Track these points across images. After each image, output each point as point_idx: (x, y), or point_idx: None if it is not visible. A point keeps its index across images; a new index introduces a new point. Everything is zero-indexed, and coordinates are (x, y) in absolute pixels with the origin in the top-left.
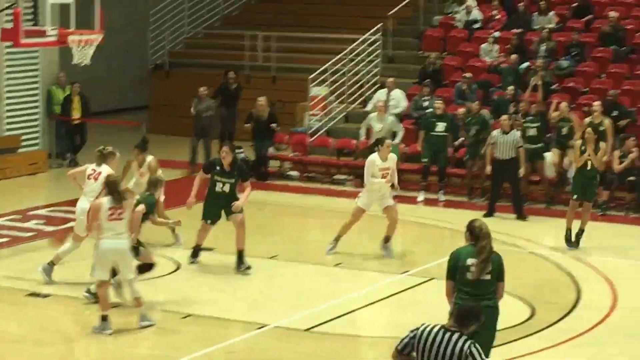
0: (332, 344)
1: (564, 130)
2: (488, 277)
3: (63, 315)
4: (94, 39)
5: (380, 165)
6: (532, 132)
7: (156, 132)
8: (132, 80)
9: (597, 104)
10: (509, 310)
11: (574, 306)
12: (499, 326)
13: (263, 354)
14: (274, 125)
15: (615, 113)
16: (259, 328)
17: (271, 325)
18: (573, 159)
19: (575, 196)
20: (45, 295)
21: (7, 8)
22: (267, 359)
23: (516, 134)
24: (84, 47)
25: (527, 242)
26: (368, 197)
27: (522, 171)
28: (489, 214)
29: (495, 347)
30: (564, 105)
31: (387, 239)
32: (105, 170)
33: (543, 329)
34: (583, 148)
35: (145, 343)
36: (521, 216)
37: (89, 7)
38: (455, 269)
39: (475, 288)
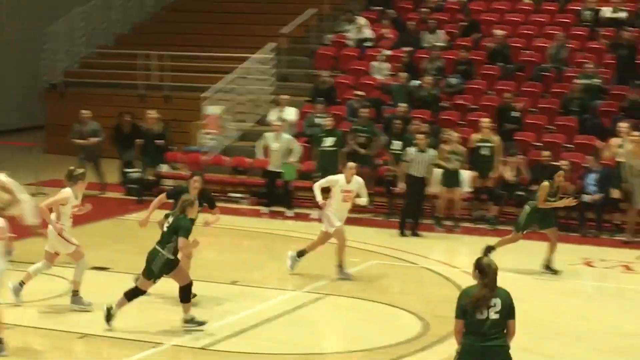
0: None
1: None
2: (496, 316)
3: None
4: None
5: (343, 187)
6: None
7: (52, 153)
8: (28, 100)
9: (486, 121)
10: (403, 324)
11: None
12: (392, 341)
13: None
14: (160, 141)
15: (516, 114)
16: (154, 347)
17: (167, 343)
18: (539, 198)
19: (525, 232)
20: None
21: None
22: None
23: (432, 152)
24: None
25: (419, 258)
26: (335, 214)
27: (430, 189)
28: (402, 231)
29: None
30: (455, 135)
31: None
32: (63, 192)
33: (435, 343)
34: (552, 191)
35: None
36: (416, 233)
37: None
38: (464, 308)
39: (484, 327)
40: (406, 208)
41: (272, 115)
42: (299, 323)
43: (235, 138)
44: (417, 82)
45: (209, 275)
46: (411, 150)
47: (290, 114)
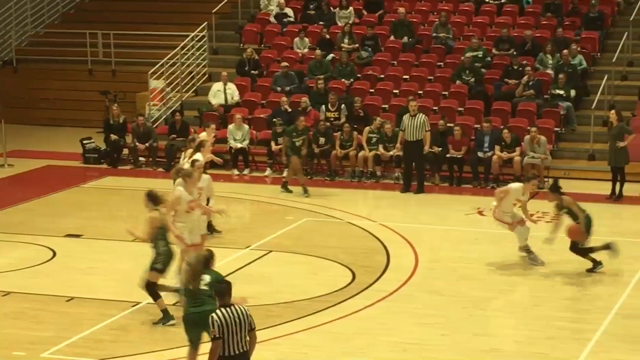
0: None
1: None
2: None
3: None
4: None
5: None
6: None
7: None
8: None
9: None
10: (335, 274)
11: (385, 269)
12: (328, 290)
13: (140, 327)
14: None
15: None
16: (134, 305)
17: (144, 302)
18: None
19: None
20: None
21: None
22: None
23: (422, 117)
24: None
25: (343, 213)
26: None
27: (427, 148)
28: (406, 189)
29: (325, 309)
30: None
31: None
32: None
33: (362, 290)
34: (563, 211)
35: (37, 326)
36: (421, 190)
37: None
38: None
39: None
40: (406, 169)
41: (215, 88)
42: (249, 279)
43: (176, 108)
44: (331, 56)
45: None
46: (405, 117)
47: (233, 90)
